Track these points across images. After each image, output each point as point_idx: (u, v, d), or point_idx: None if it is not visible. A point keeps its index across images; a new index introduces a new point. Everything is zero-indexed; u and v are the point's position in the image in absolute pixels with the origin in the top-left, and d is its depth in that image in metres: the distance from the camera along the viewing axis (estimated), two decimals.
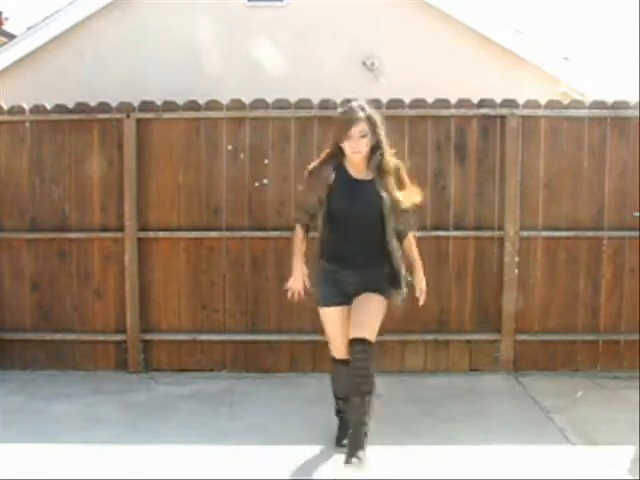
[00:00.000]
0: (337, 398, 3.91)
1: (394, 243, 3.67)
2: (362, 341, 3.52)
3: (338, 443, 3.81)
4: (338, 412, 3.94)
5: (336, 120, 3.71)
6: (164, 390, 4.99)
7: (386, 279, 3.68)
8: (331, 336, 3.75)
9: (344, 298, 3.67)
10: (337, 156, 3.67)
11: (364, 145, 3.59)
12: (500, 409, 4.62)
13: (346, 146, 3.60)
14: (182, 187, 5.28)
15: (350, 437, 3.59)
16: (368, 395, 3.57)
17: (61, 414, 4.51)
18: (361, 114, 3.58)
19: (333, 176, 3.64)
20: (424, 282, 3.80)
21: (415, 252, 3.82)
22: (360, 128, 3.56)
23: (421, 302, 3.78)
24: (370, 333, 3.55)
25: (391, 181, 3.61)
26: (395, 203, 3.59)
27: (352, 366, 3.56)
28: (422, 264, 3.82)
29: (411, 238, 3.82)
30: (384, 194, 3.58)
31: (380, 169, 3.62)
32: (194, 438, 4.08)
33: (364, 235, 3.64)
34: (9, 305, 5.37)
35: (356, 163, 3.64)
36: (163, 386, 5.07)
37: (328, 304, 3.70)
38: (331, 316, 3.70)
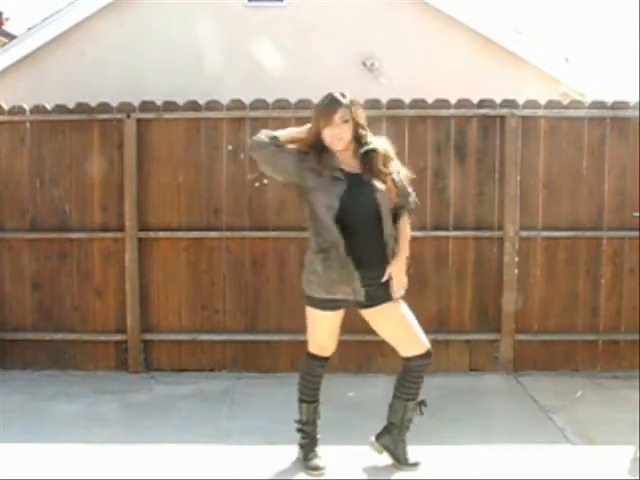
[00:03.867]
0: (303, 402, 3.67)
1: (392, 241, 3.48)
2: (428, 354, 3.56)
3: (306, 459, 3.66)
4: (302, 425, 3.69)
5: (316, 108, 3.55)
6: (164, 390, 5.00)
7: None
8: (317, 334, 3.57)
9: (334, 303, 3.49)
10: (319, 151, 3.45)
11: (346, 131, 3.42)
12: (500, 409, 4.63)
13: (326, 135, 3.41)
14: (182, 187, 5.29)
15: (400, 442, 3.62)
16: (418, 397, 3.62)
17: (62, 414, 4.51)
18: (342, 100, 3.44)
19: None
20: (403, 274, 3.48)
21: (405, 231, 3.53)
22: (341, 114, 3.40)
23: (395, 294, 3.46)
24: (427, 341, 3.57)
25: (382, 167, 3.43)
26: (389, 190, 3.42)
27: (414, 374, 3.59)
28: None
29: (406, 217, 3.56)
30: (378, 185, 3.40)
31: (370, 159, 3.43)
32: (194, 438, 4.08)
33: (364, 233, 3.44)
34: (10, 305, 5.37)
35: (340, 154, 3.45)
36: (163, 386, 5.08)
37: (322, 308, 3.50)
38: (322, 318, 3.53)
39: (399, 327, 3.54)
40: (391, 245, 3.47)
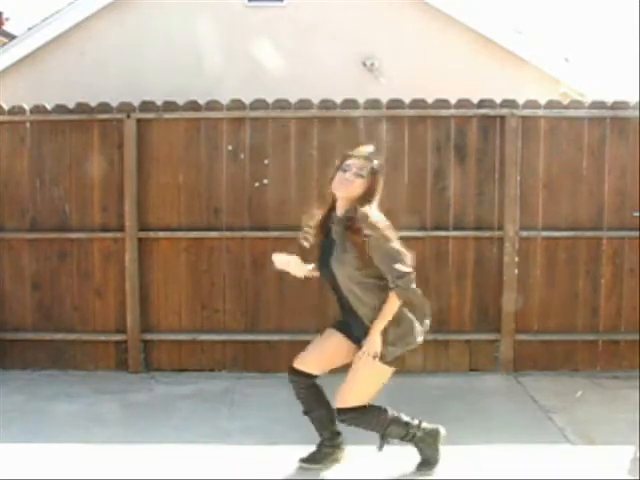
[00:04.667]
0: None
1: (358, 296, 3.39)
2: (341, 411, 3.46)
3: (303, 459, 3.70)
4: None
5: (339, 157, 3.47)
6: (164, 390, 5.00)
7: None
8: (310, 344, 3.66)
9: (345, 329, 3.55)
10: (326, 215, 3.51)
11: (355, 184, 3.34)
12: (500, 409, 4.63)
13: (337, 176, 3.38)
14: (182, 187, 5.29)
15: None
16: (385, 432, 3.53)
17: (62, 414, 4.52)
18: (366, 154, 3.40)
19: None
20: (374, 344, 3.35)
21: (384, 309, 3.36)
22: (360, 164, 3.35)
23: (362, 359, 3.36)
24: (350, 399, 3.43)
25: (355, 236, 3.31)
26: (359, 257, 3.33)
27: None
28: (388, 318, 3.37)
29: (393, 295, 3.34)
30: (338, 254, 3.37)
31: (353, 220, 3.32)
32: (194, 438, 4.08)
33: (340, 287, 3.45)
34: (10, 305, 5.37)
35: (340, 199, 3.40)
36: (163, 386, 5.08)
37: (331, 324, 3.66)
38: (325, 332, 3.64)
39: (348, 374, 3.48)
40: (360, 310, 3.41)
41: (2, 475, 3.61)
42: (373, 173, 3.39)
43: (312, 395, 3.63)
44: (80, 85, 7.00)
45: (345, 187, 3.37)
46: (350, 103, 5.22)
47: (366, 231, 3.27)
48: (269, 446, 3.95)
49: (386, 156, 5.21)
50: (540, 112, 5.21)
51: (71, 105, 5.28)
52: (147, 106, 5.25)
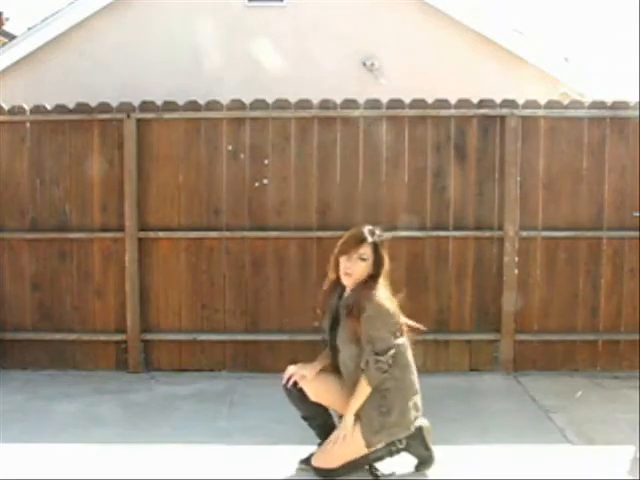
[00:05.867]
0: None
1: (350, 371, 3.46)
2: (317, 469, 3.51)
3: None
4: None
5: (342, 238, 3.52)
6: (164, 390, 5.00)
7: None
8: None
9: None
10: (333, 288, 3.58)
11: (359, 269, 3.42)
12: (500, 409, 4.63)
13: (341, 264, 3.44)
14: (182, 187, 5.29)
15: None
16: (370, 465, 3.55)
17: (61, 414, 4.51)
18: (369, 237, 3.42)
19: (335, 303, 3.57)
20: (346, 425, 3.43)
21: (357, 390, 3.41)
22: (362, 250, 3.40)
23: (332, 445, 3.44)
24: (328, 463, 3.48)
25: (353, 323, 3.39)
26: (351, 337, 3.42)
27: None
28: (360, 400, 3.41)
29: (363, 382, 3.38)
30: (341, 331, 3.47)
31: (351, 307, 3.40)
32: (194, 438, 4.08)
33: (338, 356, 3.54)
34: (10, 305, 5.37)
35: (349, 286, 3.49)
36: (163, 386, 5.08)
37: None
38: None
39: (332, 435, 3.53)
40: (347, 382, 3.48)
41: (2, 475, 3.61)
42: (376, 250, 3.43)
43: (306, 404, 3.61)
44: (80, 85, 7.00)
45: (348, 277, 3.44)
46: (350, 103, 5.23)
47: (364, 312, 3.34)
48: (269, 446, 3.95)
49: (386, 156, 5.25)
50: (540, 112, 5.21)
51: (71, 105, 5.28)
52: (147, 106, 5.25)
